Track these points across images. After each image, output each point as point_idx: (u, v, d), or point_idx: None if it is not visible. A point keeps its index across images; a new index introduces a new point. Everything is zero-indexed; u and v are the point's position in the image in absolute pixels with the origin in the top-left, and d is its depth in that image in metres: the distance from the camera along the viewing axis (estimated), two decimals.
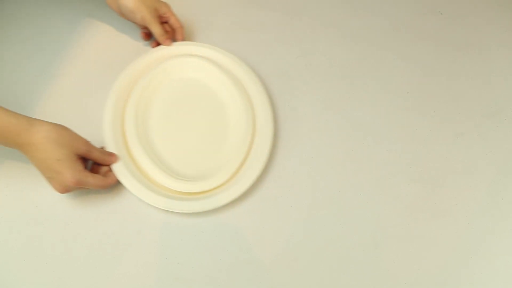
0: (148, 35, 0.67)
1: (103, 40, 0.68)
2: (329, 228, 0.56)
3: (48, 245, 0.53)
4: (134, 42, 0.68)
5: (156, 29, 0.62)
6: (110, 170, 0.54)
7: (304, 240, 0.56)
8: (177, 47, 0.64)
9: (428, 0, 0.76)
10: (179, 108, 0.62)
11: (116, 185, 0.57)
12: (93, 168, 0.55)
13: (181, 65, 0.63)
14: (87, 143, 0.52)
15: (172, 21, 0.64)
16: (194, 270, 0.53)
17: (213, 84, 0.63)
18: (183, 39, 0.65)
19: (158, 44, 0.65)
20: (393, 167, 0.61)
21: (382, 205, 0.58)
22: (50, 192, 0.56)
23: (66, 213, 0.55)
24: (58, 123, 0.50)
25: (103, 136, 0.56)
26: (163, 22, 0.64)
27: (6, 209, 0.55)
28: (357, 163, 0.61)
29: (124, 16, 0.61)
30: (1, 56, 0.64)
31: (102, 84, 0.62)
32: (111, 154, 0.55)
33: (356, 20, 0.73)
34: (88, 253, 0.53)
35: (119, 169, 0.55)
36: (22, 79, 0.62)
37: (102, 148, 0.55)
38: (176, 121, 0.61)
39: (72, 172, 0.49)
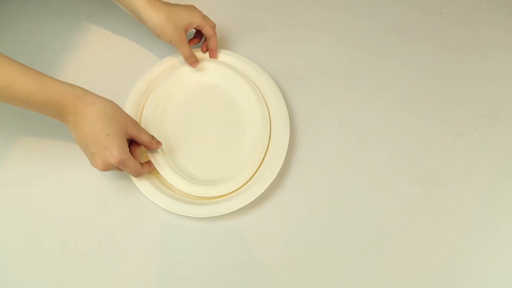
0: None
1: (105, 42, 0.68)
2: (329, 228, 0.56)
3: (48, 245, 0.53)
4: (134, 44, 0.68)
5: (183, 51, 0.60)
6: (150, 162, 0.55)
7: (304, 240, 0.56)
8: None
9: (428, 0, 0.76)
10: (195, 112, 0.62)
11: (116, 184, 0.58)
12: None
13: (197, 69, 0.63)
14: (138, 125, 0.52)
15: (206, 30, 0.61)
16: (194, 270, 0.53)
17: (230, 88, 0.63)
18: (216, 49, 0.63)
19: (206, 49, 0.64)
20: (393, 167, 0.61)
21: (382, 205, 0.58)
22: (50, 192, 0.56)
23: (66, 213, 0.55)
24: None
25: None
26: (197, 30, 0.62)
27: (6, 209, 0.55)
28: (357, 163, 0.61)
29: (152, 33, 0.59)
30: None
31: (106, 87, 0.62)
32: (158, 142, 0.54)
33: (357, 20, 0.73)
34: (88, 253, 0.53)
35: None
36: None
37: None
38: (192, 125, 0.61)
39: (118, 150, 0.47)
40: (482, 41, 0.72)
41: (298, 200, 0.58)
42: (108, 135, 0.47)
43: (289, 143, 0.58)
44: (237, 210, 0.54)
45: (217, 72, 0.63)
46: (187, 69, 0.63)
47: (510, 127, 0.65)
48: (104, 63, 0.66)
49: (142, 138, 0.52)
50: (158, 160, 0.56)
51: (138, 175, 0.53)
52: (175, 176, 0.55)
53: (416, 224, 0.57)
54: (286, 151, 0.57)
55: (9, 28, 0.68)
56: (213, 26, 0.62)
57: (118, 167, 0.50)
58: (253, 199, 0.54)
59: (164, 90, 0.61)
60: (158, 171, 0.56)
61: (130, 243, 0.54)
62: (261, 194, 0.54)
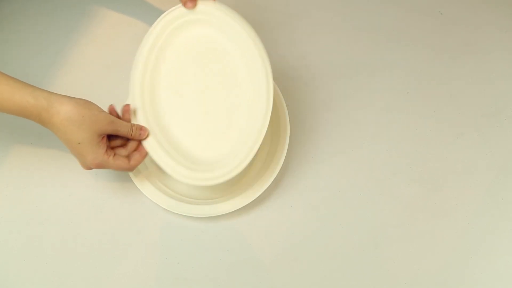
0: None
1: (105, 41, 0.68)
2: (329, 228, 0.56)
3: (48, 245, 0.53)
4: (134, 43, 0.68)
5: None
6: (140, 146, 0.51)
7: (304, 240, 0.56)
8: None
9: (428, 0, 0.76)
10: (190, 76, 0.53)
11: (116, 184, 0.58)
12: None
13: (184, 16, 0.52)
14: (112, 122, 0.47)
15: None
16: (194, 270, 0.53)
17: (228, 43, 0.52)
18: None
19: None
20: (393, 167, 0.61)
21: (382, 205, 0.58)
22: (50, 192, 0.56)
23: (66, 213, 0.55)
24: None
25: None
26: None
27: (6, 209, 0.55)
28: (357, 163, 0.61)
29: None
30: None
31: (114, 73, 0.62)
32: (141, 128, 0.50)
33: (357, 20, 0.73)
34: (88, 253, 0.53)
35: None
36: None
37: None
38: (187, 97, 0.53)
39: (93, 155, 0.46)
40: (482, 41, 0.72)
41: (298, 200, 0.58)
42: (79, 143, 0.45)
43: (289, 143, 0.58)
44: (237, 210, 0.54)
45: (216, 21, 0.52)
46: (178, 18, 0.52)
47: (510, 127, 0.65)
48: (104, 63, 0.66)
49: (121, 132, 0.48)
50: (150, 141, 0.50)
51: (127, 170, 0.50)
52: (170, 159, 0.50)
53: (416, 224, 0.57)
54: (286, 151, 0.57)
55: (9, 27, 0.68)
56: None
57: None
58: (253, 199, 0.54)
59: (153, 45, 0.52)
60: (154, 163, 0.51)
61: (130, 243, 0.54)
62: (261, 194, 0.54)
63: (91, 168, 0.48)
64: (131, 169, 0.50)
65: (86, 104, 0.46)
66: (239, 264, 0.54)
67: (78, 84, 0.63)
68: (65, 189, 0.57)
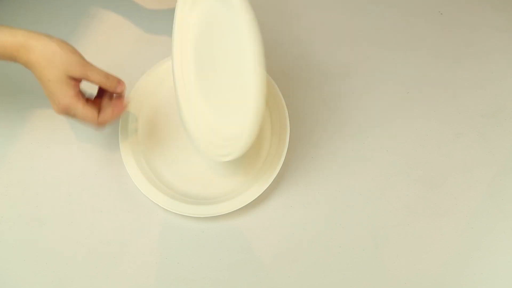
0: None
1: (105, 41, 0.68)
2: (329, 228, 0.56)
3: (48, 245, 0.53)
4: (135, 43, 0.68)
5: None
6: (117, 103, 0.49)
7: (304, 240, 0.56)
8: None
9: (428, 0, 0.76)
10: (207, 57, 0.53)
11: (116, 184, 0.58)
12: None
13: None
14: (83, 64, 0.46)
15: None
16: (194, 270, 0.53)
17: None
18: None
19: None
20: (393, 167, 0.61)
21: (382, 205, 0.58)
22: (50, 192, 0.56)
23: (66, 213, 0.55)
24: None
25: None
26: None
27: (6, 209, 0.55)
28: (357, 163, 0.61)
29: None
30: None
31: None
32: (117, 80, 0.49)
33: (356, 20, 0.73)
34: (88, 253, 0.53)
35: (130, 168, 0.55)
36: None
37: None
38: (207, 74, 0.53)
39: (61, 95, 0.45)
40: (482, 41, 0.72)
41: (298, 200, 0.58)
42: (49, 80, 0.45)
43: (289, 143, 0.58)
44: (237, 210, 0.54)
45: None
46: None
47: (510, 127, 0.65)
48: (103, 63, 0.66)
49: (93, 78, 0.47)
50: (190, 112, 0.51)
51: (93, 124, 0.48)
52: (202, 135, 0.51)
53: (416, 224, 0.57)
54: (286, 151, 0.57)
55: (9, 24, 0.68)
56: None
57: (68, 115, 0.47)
58: (253, 199, 0.54)
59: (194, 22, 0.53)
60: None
61: (130, 243, 0.54)
62: (261, 194, 0.54)
63: (60, 111, 0.46)
64: (98, 125, 0.48)
65: (61, 43, 0.46)
66: (239, 264, 0.54)
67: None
68: (65, 189, 0.57)
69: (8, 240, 0.53)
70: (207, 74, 0.54)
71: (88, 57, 0.62)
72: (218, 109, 0.53)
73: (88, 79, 0.47)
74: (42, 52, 0.44)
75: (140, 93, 0.61)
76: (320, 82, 0.67)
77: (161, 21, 0.69)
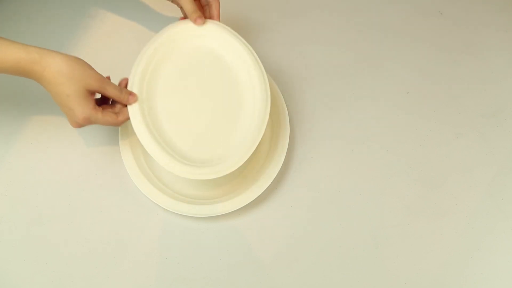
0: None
1: (104, 42, 0.68)
2: (329, 228, 0.56)
3: (48, 245, 0.53)
4: (134, 43, 0.68)
5: (187, 5, 0.55)
6: (125, 107, 0.51)
7: (304, 240, 0.56)
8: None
9: (428, 0, 0.76)
10: (189, 80, 0.55)
11: (116, 184, 0.58)
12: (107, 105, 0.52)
13: (197, 32, 0.55)
14: (101, 79, 0.49)
15: None
16: (194, 270, 0.53)
17: (229, 57, 0.55)
18: (219, 16, 0.57)
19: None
20: (393, 167, 0.61)
21: (382, 205, 0.58)
22: (50, 192, 0.56)
23: (66, 213, 0.55)
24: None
25: None
26: None
27: (6, 209, 0.55)
28: (357, 162, 0.61)
29: None
30: None
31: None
32: (129, 93, 0.51)
33: (357, 20, 0.73)
34: (88, 253, 0.53)
35: (130, 168, 0.55)
36: None
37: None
38: (185, 94, 0.54)
39: (81, 108, 0.47)
40: (482, 41, 0.72)
41: (298, 200, 0.58)
42: (67, 95, 0.46)
43: (289, 143, 0.58)
44: (237, 210, 0.54)
45: (218, 37, 0.56)
46: (185, 31, 0.55)
47: (510, 127, 0.65)
48: (103, 64, 0.66)
49: (109, 92, 0.49)
50: (141, 131, 0.50)
51: (114, 125, 0.51)
52: (164, 154, 0.50)
53: (416, 224, 0.57)
54: (286, 151, 0.57)
55: (9, 28, 0.68)
56: None
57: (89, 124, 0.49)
58: (253, 199, 0.54)
59: (157, 49, 0.54)
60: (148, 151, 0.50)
61: (130, 243, 0.54)
62: (261, 194, 0.54)
63: (80, 125, 0.49)
64: (119, 123, 0.51)
65: (77, 59, 0.48)
66: (239, 264, 0.54)
67: None
68: (65, 189, 0.57)
69: (8, 240, 0.53)
70: (183, 96, 0.55)
71: (88, 57, 0.62)
72: (189, 132, 0.54)
73: (104, 93, 0.49)
74: (59, 68, 0.46)
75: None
76: (320, 82, 0.67)
77: (161, 21, 0.69)
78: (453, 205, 0.59)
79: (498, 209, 0.59)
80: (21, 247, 0.53)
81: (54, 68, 0.46)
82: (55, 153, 0.58)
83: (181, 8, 0.58)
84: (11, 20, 0.68)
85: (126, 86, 0.52)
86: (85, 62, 0.49)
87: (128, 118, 0.51)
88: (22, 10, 0.70)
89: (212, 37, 0.56)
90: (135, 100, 0.51)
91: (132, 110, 0.51)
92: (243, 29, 0.71)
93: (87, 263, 0.53)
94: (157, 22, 0.68)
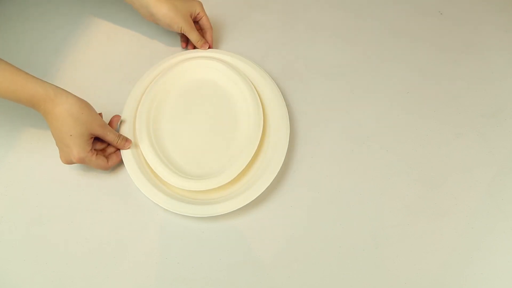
0: (187, 42, 0.68)
1: (104, 42, 0.68)
2: (329, 228, 0.56)
3: (48, 245, 0.53)
4: (133, 44, 0.68)
5: (193, 36, 0.64)
6: (118, 151, 0.57)
7: (304, 240, 0.56)
8: (193, 53, 0.66)
9: (428, 0, 0.76)
10: (190, 108, 0.62)
11: (116, 184, 0.58)
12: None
13: (194, 66, 0.64)
14: (104, 125, 0.54)
15: (203, 21, 0.65)
16: (194, 270, 0.53)
17: (227, 86, 0.63)
18: (212, 41, 0.66)
19: (194, 47, 0.66)
20: (393, 167, 0.61)
21: (382, 205, 0.58)
22: (50, 192, 0.56)
23: (66, 213, 0.55)
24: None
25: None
26: (194, 21, 0.65)
27: (6, 209, 0.55)
28: (357, 162, 0.61)
29: (160, 25, 0.63)
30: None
31: (109, 84, 0.62)
32: (126, 140, 0.56)
33: (357, 20, 0.73)
34: (88, 253, 0.53)
35: (131, 169, 0.56)
36: None
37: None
38: (186, 121, 0.61)
39: (78, 150, 0.51)
40: (482, 41, 0.72)
41: (298, 200, 0.58)
42: (71, 135, 0.50)
43: (289, 143, 0.58)
44: (237, 210, 0.54)
45: (215, 69, 0.63)
46: (184, 66, 0.63)
47: (510, 127, 0.65)
48: (103, 62, 0.66)
49: (108, 138, 0.54)
50: (148, 154, 0.56)
51: (104, 169, 0.55)
52: (167, 170, 0.55)
53: (416, 224, 0.57)
54: (286, 151, 0.57)
55: (8, 29, 0.68)
56: (209, 21, 0.65)
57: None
58: (253, 199, 0.54)
59: (160, 87, 0.61)
60: (152, 166, 0.56)
61: (130, 243, 0.54)
62: (261, 194, 0.54)
63: (71, 163, 0.53)
64: (108, 168, 0.56)
65: (87, 103, 0.52)
66: (239, 264, 0.54)
67: (76, 85, 0.63)
68: (65, 189, 0.57)
69: (8, 240, 0.53)
70: (185, 121, 0.61)
71: (88, 58, 0.62)
72: (188, 151, 0.59)
73: (104, 138, 0.54)
74: (70, 108, 0.50)
75: (139, 93, 0.61)
76: (320, 82, 0.67)
77: (157, 27, 0.68)
78: (453, 205, 0.59)
79: (498, 209, 0.59)
80: (21, 247, 0.53)
81: (65, 107, 0.50)
82: (55, 153, 0.58)
83: (181, 35, 0.67)
84: (10, 21, 0.68)
85: (117, 122, 0.58)
86: (92, 107, 0.53)
87: (117, 163, 0.56)
88: (21, 11, 0.70)
89: (215, 70, 0.63)
90: (130, 146, 0.57)
91: (140, 131, 0.58)
92: (243, 29, 0.71)
93: (87, 263, 0.53)
94: (153, 28, 0.68)
